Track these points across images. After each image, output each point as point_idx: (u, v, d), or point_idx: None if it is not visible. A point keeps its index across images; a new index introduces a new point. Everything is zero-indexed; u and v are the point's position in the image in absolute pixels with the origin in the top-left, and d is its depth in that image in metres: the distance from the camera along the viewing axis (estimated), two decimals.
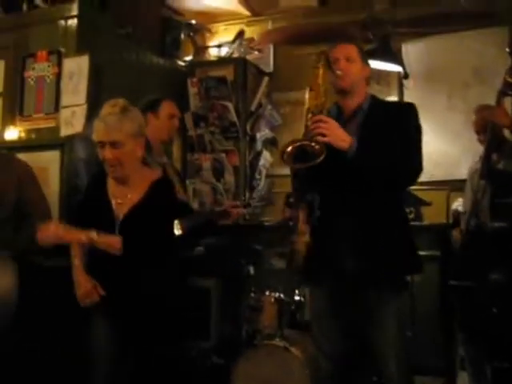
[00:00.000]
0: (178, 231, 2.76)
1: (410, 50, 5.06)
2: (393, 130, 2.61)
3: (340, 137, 2.53)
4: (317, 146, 2.45)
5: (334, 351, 2.75)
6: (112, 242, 2.69)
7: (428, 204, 4.18)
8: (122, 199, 2.77)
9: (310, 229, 2.68)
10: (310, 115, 2.60)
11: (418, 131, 2.68)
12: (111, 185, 2.83)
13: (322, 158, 2.43)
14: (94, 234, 2.69)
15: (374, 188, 2.61)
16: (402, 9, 5.03)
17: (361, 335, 2.76)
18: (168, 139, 3.87)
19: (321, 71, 2.66)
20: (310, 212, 2.70)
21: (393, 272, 2.65)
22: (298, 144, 2.50)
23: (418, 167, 2.64)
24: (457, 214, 4.08)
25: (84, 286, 2.75)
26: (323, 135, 2.48)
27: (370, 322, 2.68)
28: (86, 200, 2.96)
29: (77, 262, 2.82)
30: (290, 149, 2.50)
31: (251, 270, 4.25)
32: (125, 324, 2.74)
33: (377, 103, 2.81)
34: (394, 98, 5.03)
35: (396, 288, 2.68)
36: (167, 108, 3.73)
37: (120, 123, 2.64)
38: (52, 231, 2.76)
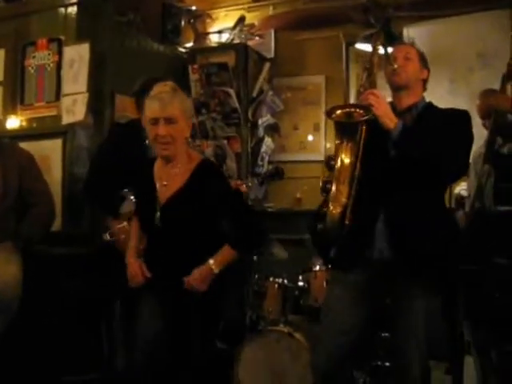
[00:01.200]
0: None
1: (412, 34, 5.01)
2: (442, 130, 2.59)
3: (387, 114, 2.55)
4: (361, 111, 2.51)
5: (340, 343, 2.69)
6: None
7: None
8: (168, 181, 2.77)
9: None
10: (362, 89, 2.67)
11: (467, 137, 2.66)
12: (157, 167, 2.84)
13: (366, 117, 2.48)
14: None
15: (416, 178, 2.57)
16: None
17: (377, 326, 2.71)
18: None
19: (377, 50, 2.76)
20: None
21: (433, 265, 2.60)
22: (347, 110, 2.56)
23: (460, 167, 2.64)
24: (460, 197, 4.08)
25: (132, 267, 2.85)
26: (372, 106, 2.52)
27: (400, 314, 2.64)
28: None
29: (132, 243, 2.94)
30: (339, 111, 2.56)
31: (254, 256, 4.25)
32: (170, 304, 2.81)
33: (432, 107, 2.80)
34: None
35: (436, 283, 2.65)
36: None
37: (173, 99, 2.68)
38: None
